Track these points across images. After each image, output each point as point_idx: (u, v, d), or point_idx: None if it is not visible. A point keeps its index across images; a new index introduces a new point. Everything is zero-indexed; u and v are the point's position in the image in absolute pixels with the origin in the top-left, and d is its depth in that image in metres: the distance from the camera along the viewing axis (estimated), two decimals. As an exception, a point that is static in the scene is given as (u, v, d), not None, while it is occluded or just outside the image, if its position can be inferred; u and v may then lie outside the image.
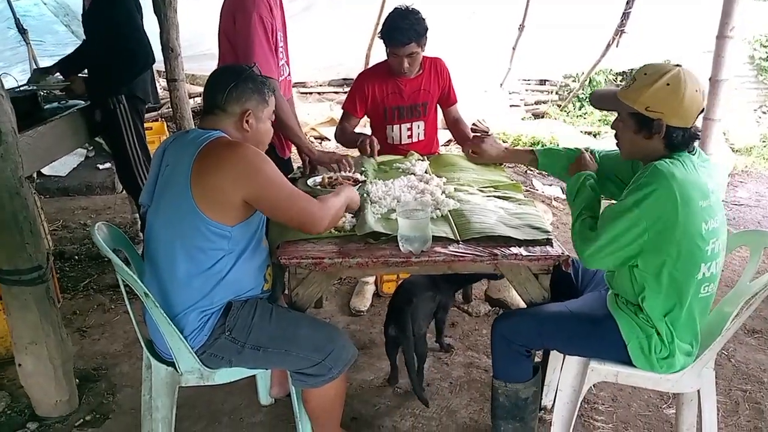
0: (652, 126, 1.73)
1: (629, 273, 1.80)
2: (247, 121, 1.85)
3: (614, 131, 1.89)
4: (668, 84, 1.70)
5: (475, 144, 2.70)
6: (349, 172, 2.57)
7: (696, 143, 1.80)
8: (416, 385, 2.43)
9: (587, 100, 7.84)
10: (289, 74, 2.70)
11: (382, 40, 2.92)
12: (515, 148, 2.46)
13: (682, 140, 1.74)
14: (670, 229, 1.68)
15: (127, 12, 3.20)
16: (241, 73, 1.86)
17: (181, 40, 4.28)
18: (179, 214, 1.74)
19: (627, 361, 1.86)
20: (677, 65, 1.75)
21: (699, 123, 1.79)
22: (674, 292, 1.75)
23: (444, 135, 3.73)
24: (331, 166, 2.61)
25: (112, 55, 3.15)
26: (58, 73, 3.64)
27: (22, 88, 3.63)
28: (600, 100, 1.95)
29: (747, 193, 5.79)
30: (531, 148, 2.34)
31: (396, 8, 2.89)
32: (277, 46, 2.48)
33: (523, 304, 3.12)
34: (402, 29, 2.80)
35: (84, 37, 3.64)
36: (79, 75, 3.46)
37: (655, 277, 1.75)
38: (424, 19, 2.86)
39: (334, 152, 2.69)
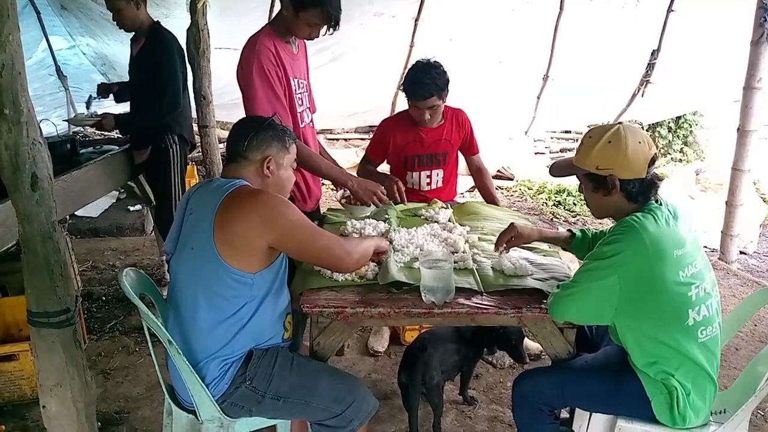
0: (606, 183, 1.80)
1: (624, 338, 1.81)
2: (268, 167, 1.88)
3: (583, 195, 1.94)
4: (610, 141, 1.78)
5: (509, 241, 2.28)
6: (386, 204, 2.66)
7: (658, 191, 1.85)
8: None
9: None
10: (311, 120, 2.74)
11: (404, 93, 2.98)
12: (551, 231, 2.39)
13: (639, 190, 1.81)
14: (644, 284, 1.71)
15: (172, 63, 3.43)
16: (261, 122, 1.92)
17: (214, 89, 4.41)
18: (202, 263, 1.77)
19: (652, 417, 1.82)
20: (618, 123, 1.84)
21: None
22: (669, 350, 1.75)
23: (467, 181, 3.75)
24: (371, 201, 2.61)
25: (152, 94, 3.39)
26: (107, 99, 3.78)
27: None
28: (558, 169, 2.01)
29: (780, 244, 5.66)
30: (569, 229, 2.29)
31: (418, 62, 2.96)
32: (290, 93, 2.52)
33: (532, 346, 3.12)
34: (424, 84, 2.86)
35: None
36: (111, 112, 3.62)
37: (645, 340, 1.77)
38: (445, 72, 2.91)
39: (371, 184, 2.63)
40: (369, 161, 3.24)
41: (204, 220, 1.77)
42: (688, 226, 1.84)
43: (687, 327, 1.75)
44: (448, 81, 2.93)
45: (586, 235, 2.24)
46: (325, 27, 2.41)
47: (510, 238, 2.24)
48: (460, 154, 3.26)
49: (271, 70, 2.41)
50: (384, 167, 3.29)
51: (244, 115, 2.50)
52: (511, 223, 2.28)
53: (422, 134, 3.09)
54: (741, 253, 5.16)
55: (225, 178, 1.88)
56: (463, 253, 2.27)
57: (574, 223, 6.02)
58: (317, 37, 2.49)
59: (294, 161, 1.99)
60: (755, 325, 3.68)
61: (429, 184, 3.17)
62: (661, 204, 1.83)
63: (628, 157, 1.76)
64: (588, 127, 8.69)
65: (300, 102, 2.60)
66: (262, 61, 2.39)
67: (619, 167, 1.78)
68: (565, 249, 2.32)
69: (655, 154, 1.81)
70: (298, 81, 2.58)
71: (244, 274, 1.75)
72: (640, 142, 1.78)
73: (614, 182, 1.79)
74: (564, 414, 2.23)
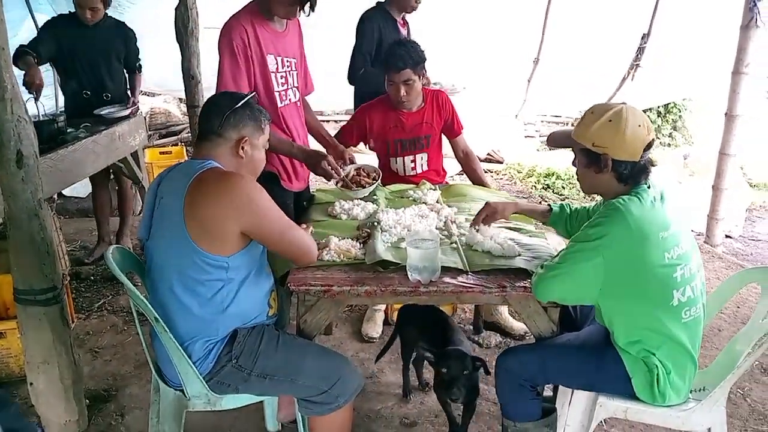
0: (600, 161, 1.80)
1: (609, 319, 1.84)
2: (242, 148, 1.84)
3: (575, 168, 1.96)
4: (610, 120, 1.78)
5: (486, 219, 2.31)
6: (346, 166, 2.70)
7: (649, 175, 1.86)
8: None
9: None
10: (299, 99, 2.73)
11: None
12: (528, 205, 2.42)
13: (630, 173, 1.81)
14: (629, 266, 1.73)
15: None
16: (238, 100, 1.86)
17: (204, 68, 4.37)
18: (174, 248, 1.74)
19: (633, 395, 1.86)
20: (623, 103, 1.84)
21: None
22: (652, 330, 1.79)
23: (454, 164, 3.76)
24: (324, 171, 2.53)
25: None
26: None
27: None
28: (556, 140, 2.02)
29: (765, 228, 5.72)
30: (548, 204, 2.30)
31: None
32: (265, 71, 2.51)
33: (516, 325, 3.16)
34: (398, 55, 2.91)
35: None
36: None
37: (628, 320, 1.80)
38: (422, 51, 2.95)
39: (317, 155, 2.56)
40: (341, 141, 3.10)
41: (174, 204, 1.73)
42: (675, 208, 1.86)
43: (671, 307, 1.78)
44: (423, 59, 2.95)
45: (564, 210, 2.25)
46: (299, 7, 2.40)
47: (485, 215, 2.26)
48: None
49: (239, 48, 2.41)
50: (370, 159, 3.27)
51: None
52: (486, 202, 2.30)
53: (402, 119, 3.10)
54: (726, 236, 5.21)
55: (195, 159, 1.83)
56: (448, 234, 2.29)
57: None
58: (295, 16, 2.50)
59: (267, 142, 1.96)
60: (738, 307, 3.73)
61: (414, 168, 3.17)
62: (649, 186, 1.85)
63: (626, 139, 1.77)
64: (579, 111, 8.74)
65: (283, 81, 2.58)
66: (233, 38, 2.40)
67: (614, 147, 1.78)
68: (543, 223, 2.33)
69: (652, 139, 1.81)
70: (282, 59, 2.56)
71: (217, 257, 1.73)
72: (639, 126, 1.78)
73: (607, 161, 1.80)
74: (548, 392, 2.27)
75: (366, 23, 3.58)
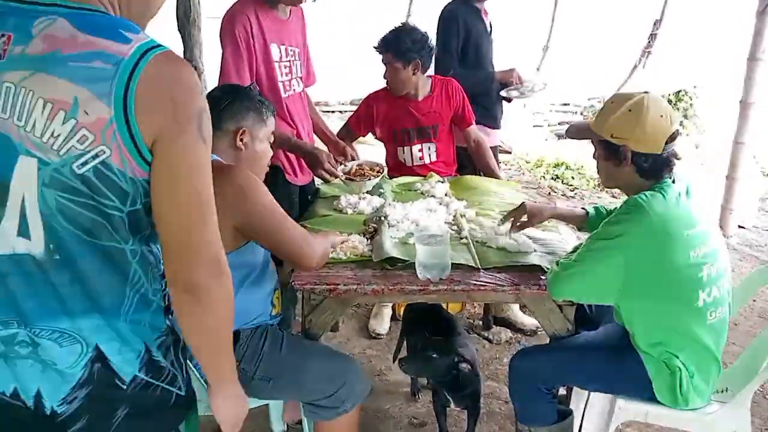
0: (619, 153, 1.71)
1: (629, 319, 1.76)
2: (241, 140, 1.77)
3: (596, 161, 1.86)
4: (630, 110, 1.69)
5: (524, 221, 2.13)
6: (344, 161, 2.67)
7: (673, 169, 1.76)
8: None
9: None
10: (303, 90, 2.67)
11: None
12: (567, 209, 2.26)
13: (652, 167, 1.72)
14: (652, 265, 1.65)
15: None
16: (236, 92, 1.82)
17: (207, 59, 4.30)
18: None
19: (653, 397, 1.78)
20: (645, 92, 1.74)
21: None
22: (676, 332, 1.71)
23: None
24: (323, 172, 2.48)
25: None
26: None
27: None
28: (576, 131, 1.92)
29: (779, 218, 5.61)
30: (584, 208, 2.14)
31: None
32: (268, 60, 2.45)
33: (528, 322, 3.09)
34: (386, 38, 2.83)
35: None
36: None
37: (649, 321, 1.72)
38: (418, 41, 2.79)
39: (315, 158, 2.48)
40: (349, 131, 3.12)
41: None
42: (701, 203, 1.77)
43: (696, 309, 1.69)
44: (412, 50, 2.79)
45: (600, 214, 2.10)
46: None
47: (522, 218, 2.09)
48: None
49: (242, 37, 2.35)
50: (376, 153, 3.19)
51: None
52: (523, 203, 2.13)
53: (410, 107, 3.00)
54: (740, 227, 5.11)
55: None
56: (458, 229, 2.21)
57: (572, 197, 5.94)
58: (302, 1, 2.45)
59: (271, 135, 1.89)
60: (754, 301, 3.64)
61: (422, 158, 3.08)
62: (673, 181, 1.75)
63: (646, 130, 1.68)
64: (589, 100, 8.64)
65: (287, 71, 2.52)
66: (235, 26, 2.34)
67: (634, 139, 1.69)
68: (579, 228, 2.21)
69: (676, 131, 1.72)
70: (285, 48, 2.50)
71: None
72: (661, 116, 1.69)
73: (626, 154, 1.71)
74: (561, 391, 2.20)
75: (449, 18, 3.30)
